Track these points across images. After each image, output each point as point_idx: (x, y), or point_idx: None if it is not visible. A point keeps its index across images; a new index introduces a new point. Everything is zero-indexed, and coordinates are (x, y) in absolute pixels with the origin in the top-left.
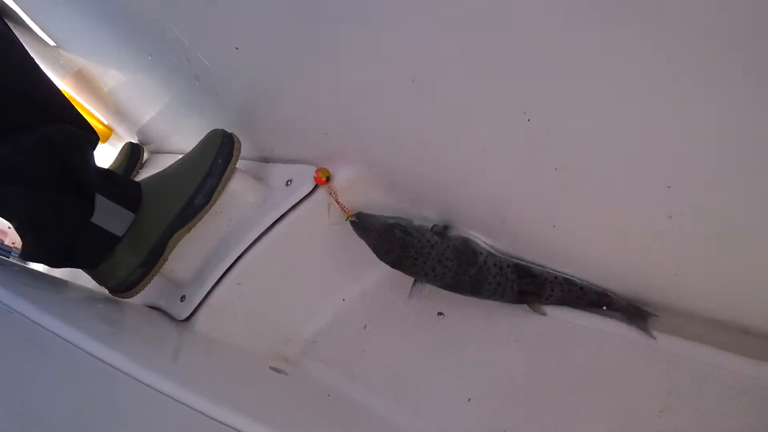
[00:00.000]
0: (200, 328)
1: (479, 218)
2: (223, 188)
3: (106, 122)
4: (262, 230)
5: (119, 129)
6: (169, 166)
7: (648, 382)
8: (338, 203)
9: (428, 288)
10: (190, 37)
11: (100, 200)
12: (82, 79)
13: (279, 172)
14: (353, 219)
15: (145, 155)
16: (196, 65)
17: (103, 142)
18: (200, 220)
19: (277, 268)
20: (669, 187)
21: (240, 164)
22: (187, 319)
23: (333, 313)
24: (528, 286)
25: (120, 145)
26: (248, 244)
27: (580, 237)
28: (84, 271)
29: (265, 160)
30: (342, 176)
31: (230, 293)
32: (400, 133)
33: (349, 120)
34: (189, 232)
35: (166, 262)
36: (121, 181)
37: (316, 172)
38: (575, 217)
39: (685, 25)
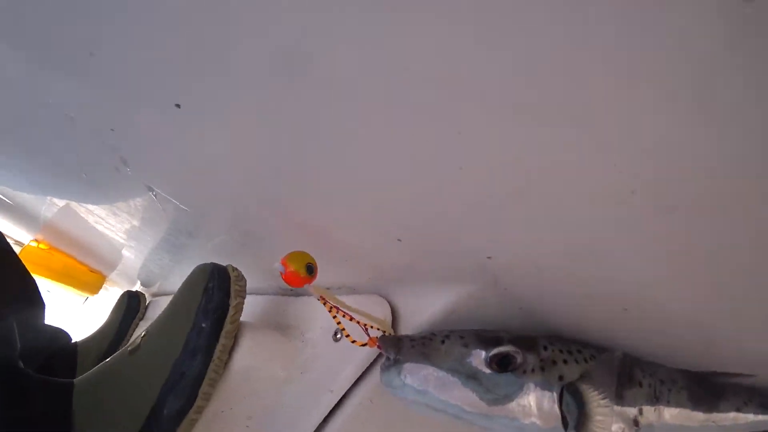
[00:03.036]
0: None
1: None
2: (219, 370)
3: (94, 268)
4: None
5: (112, 274)
6: (125, 349)
7: None
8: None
9: None
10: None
11: None
12: (55, 228)
13: (316, 317)
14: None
15: (148, 299)
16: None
17: (95, 293)
18: None
19: None
20: None
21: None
22: None
23: None
24: None
25: (120, 291)
26: None
27: None
28: None
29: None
30: (454, 305)
31: None
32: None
33: (474, 208)
34: None
35: None
36: (27, 384)
37: (282, 263)
38: None
39: None
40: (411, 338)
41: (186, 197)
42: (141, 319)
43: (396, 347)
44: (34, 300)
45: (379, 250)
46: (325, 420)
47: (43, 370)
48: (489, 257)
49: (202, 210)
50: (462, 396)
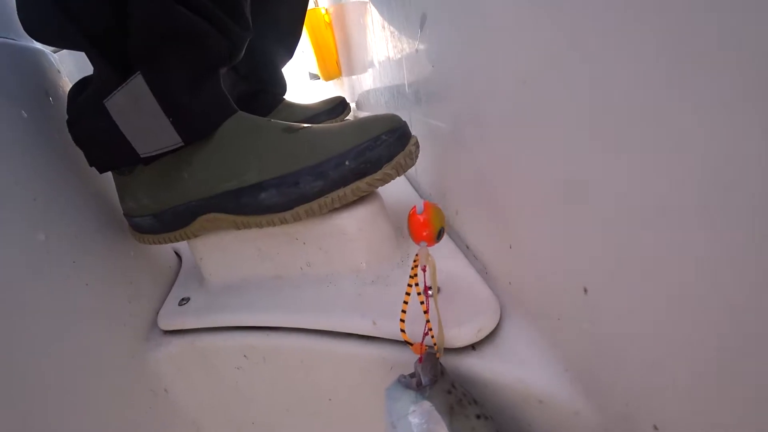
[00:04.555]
0: (162, 364)
1: None
2: (323, 210)
3: (340, 63)
4: (332, 327)
5: (345, 78)
6: (286, 124)
7: None
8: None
9: None
10: None
11: (133, 83)
12: (344, 13)
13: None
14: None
15: (350, 116)
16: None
17: (326, 80)
18: (259, 227)
19: (309, 396)
20: None
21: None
22: (165, 332)
23: None
24: None
25: (335, 94)
26: (301, 326)
27: None
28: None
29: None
30: None
31: (230, 356)
32: None
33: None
34: (239, 228)
35: (197, 241)
36: (208, 83)
37: (425, 205)
38: None
39: None
40: (453, 384)
41: (446, 62)
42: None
43: (432, 378)
44: (290, 48)
45: (557, 281)
46: (345, 335)
47: (250, 95)
48: (656, 428)
49: (447, 88)
50: None
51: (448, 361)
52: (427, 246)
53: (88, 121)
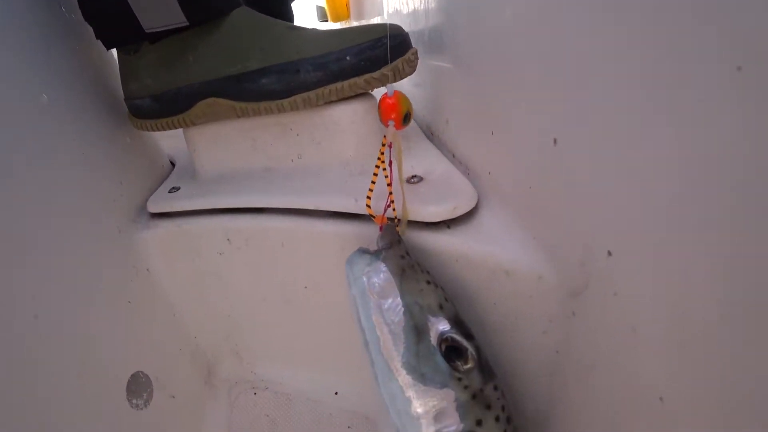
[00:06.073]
0: (147, 244)
1: None
2: (319, 101)
3: (350, 6)
4: (316, 206)
5: (354, 23)
6: (291, 24)
7: None
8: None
9: None
10: None
11: None
12: None
13: (426, 157)
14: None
15: None
16: None
17: (333, 21)
18: (258, 114)
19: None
20: None
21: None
22: (153, 216)
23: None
24: None
25: None
26: (286, 206)
27: None
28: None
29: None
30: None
31: (214, 239)
32: None
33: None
34: (237, 116)
35: (193, 131)
36: None
37: (395, 92)
38: None
39: None
40: (407, 251)
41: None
42: None
43: (388, 243)
44: None
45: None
46: (327, 215)
47: None
48: (610, 252)
49: (453, 32)
50: (393, 339)
51: (423, 237)
52: (395, 128)
53: None
